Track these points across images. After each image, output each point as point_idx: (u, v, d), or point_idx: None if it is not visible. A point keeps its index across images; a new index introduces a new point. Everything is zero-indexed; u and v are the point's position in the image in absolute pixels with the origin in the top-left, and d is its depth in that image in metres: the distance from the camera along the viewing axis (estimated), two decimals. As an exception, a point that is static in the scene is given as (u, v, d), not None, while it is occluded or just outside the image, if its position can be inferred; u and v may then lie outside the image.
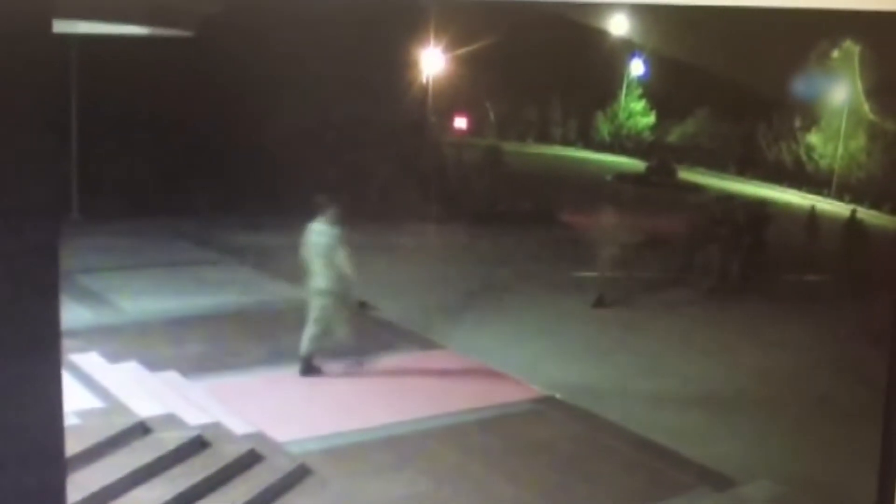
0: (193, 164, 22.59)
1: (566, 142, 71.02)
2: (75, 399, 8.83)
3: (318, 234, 11.97)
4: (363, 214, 22.67)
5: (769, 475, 10.38)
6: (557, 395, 12.09)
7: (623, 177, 48.64)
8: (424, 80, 32.08)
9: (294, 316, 14.64)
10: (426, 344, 13.67)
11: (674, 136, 72.10)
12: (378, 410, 10.96)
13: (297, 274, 17.21)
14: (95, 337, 11.86)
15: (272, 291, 16.22)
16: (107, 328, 12.80)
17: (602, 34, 69.32)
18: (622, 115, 72.66)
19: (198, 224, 20.66)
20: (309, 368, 11.95)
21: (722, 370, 14.52)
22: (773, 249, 24.25)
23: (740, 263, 22.66)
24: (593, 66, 65.96)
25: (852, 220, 25.63)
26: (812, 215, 24.80)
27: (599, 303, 16.79)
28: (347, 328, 12.03)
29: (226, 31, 18.17)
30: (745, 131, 66.11)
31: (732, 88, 65.83)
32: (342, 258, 11.86)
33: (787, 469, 10.71)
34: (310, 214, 12.08)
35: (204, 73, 22.21)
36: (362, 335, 14.04)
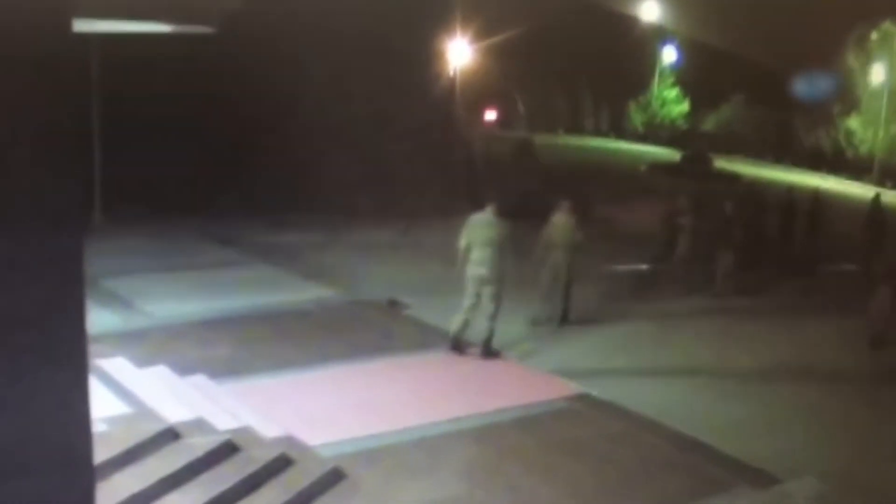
0: (218, 163, 22.71)
1: (598, 133, 71.01)
2: (103, 405, 8.74)
3: (485, 224, 12.99)
4: (390, 211, 22.82)
5: (814, 472, 10.28)
6: (594, 393, 12.04)
7: (657, 167, 48.37)
8: (452, 73, 32.01)
9: (323, 316, 14.78)
10: (454, 342, 13.59)
11: (708, 123, 71.90)
12: (411, 411, 10.94)
13: (323, 273, 17.42)
14: (122, 342, 11.90)
15: (301, 291, 16.26)
16: (134, 332, 12.85)
17: (633, 21, 69.18)
18: (655, 104, 72.53)
19: (223, 224, 20.77)
20: (458, 345, 13.12)
21: (763, 363, 14.42)
22: (817, 239, 24.16)
23: (782, 254, 22.60)
24: (625, 54, 65.87)
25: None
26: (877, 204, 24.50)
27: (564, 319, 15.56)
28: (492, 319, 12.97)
29: (249, 27, 18.23)
30: (781, 118, 65.80)
31: (768, 73, 65.50)
32: (503, 250, 12.97)
33: (833, 466, 10.62)
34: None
35: (228, 70, 22.31)
36: (392, 333, 14.15)
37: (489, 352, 13.06)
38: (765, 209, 24.29)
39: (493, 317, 13.00)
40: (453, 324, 13.12)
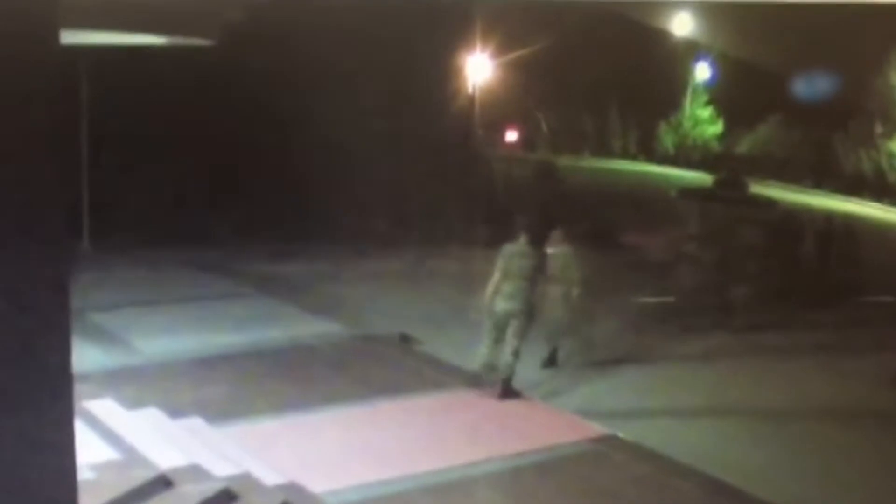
0: (215, 187, 22.74)
1: (626, 154, 71.02)
2: (90, 450, 8.74)
3: (519, 255, 13.08)
4: (403, 237, 22.80)
5: None
6: (619, 434, 11.97)
7: (689, 192, 48.27)
8: (470, 90, 32.11)
9: (330, 353, 14.73)
10: (474, 380, 13.54)
11: (743, 145, 71.82)
12: (423, 456, 10.84)
13: (329, 306, 17.39)
14: (111, 381, 11.86)
15: (305, 326, 16.23)
16: (123, 371, 12.79)
17: (664, 35, 69.31)
18: (687, 124, 72.52)
19: (221, 253, 20.77)
20: (509, 391, 12.97)
21: (795, 403, 14.38)
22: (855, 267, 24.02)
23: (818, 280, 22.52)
24: (655, 70, 65.92)
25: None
26: None
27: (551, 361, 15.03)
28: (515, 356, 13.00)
29: (252, 38, 18.29)
30: (820, 139, 65.65)
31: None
32: (534, 282, 13.20)
33: None
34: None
35: (226, 85, 22.37)
36: (403, 371, 14.09)
37: (509, 391, 12.95)
38: (800, 237, 24.22)
39: (517, 353, 12.97)
40: (477, 362, 13.17)
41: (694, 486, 10.71)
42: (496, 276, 13.01)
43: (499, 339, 13.02)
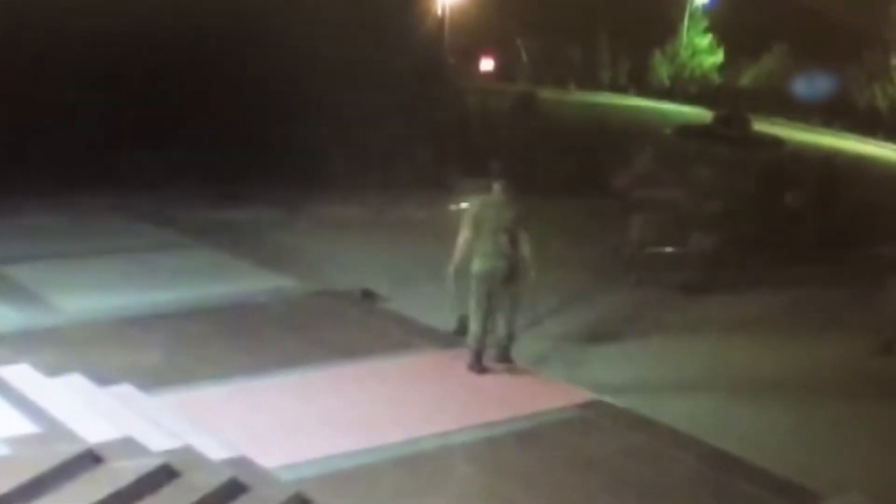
0: (149, 123, 22.47)
1: (616, 87, 71.17)
2: (4, 423, 8.71)
3: (494, 205, 12.51)
4: (365, 181, 22.63)
5: (858, 487, 10.35)
6: (608, 399, 12.01)
7: (686, 130, 48.42)
8: (440, 12, 31.90)
9: (283, 310, 14.59)
10: (447, 341, 13.51)
11: (746, 78, 72.16)
12: (390, 424, 10.80)
13: (281, 258, 17.24)
14: (27, 344, 11.75)
15: (255, 280, 16.14)
16: (42, 332, 12.61)
17: (659, -49, 69.21)
18: (684, 54, 72.84)
19: (157, 199, 20.58)
20: (479, 364, 12.57)
21: (799, 362, 14.52)
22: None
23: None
24: (647, -6, 65.99)
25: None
26: None
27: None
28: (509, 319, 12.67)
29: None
30: (831, 71, 65.86)
31: (817, 19, 65.61)
32: (523, 234, 12.52)
33: (878, 480, 10.72)
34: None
35: (170, 10, 22.13)
36: (366, 331, 13.98)
37: (506, 358, 12.75)
38: (792, 180, 24.13)
39: (514, 320, 12.68)
40: (470, 336, 12.58)
41: (690, 455, 10.73)
42: (465, 233, 12.40)
43: (488, 308, 12.46)
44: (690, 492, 10.03)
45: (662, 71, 72.83)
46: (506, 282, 12.39)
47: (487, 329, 12.50)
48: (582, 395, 12.12)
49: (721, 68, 73.56)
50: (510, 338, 12.70)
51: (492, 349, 12.68)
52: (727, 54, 72.47)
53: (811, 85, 59.92)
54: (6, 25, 19.52)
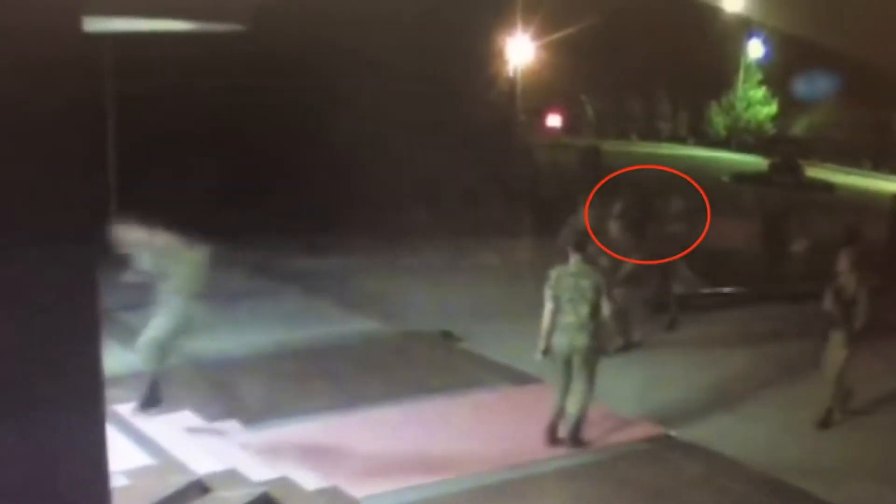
0: (246, 178, 22.78)
1: (675, 138, 70.64)
2: (122, 456, 8.81)
3: (575, 275, 11.21)
4: (441, 230, 22.76)
5: None
6: (672, 433, 11.93)
7: (742, 177, 48.04)
8: (511, 73, 31.99)
9: (369, 351, 14.72)
10: (520, 378, 13.52)
11: (799, 127, 71.31)
12: (467, 458, 10.83)
13: (367, 301, 17.38)
14: (142, 384, 11.92)
15: (343, 323, 16.26)
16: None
17: (715, 12, 68.78)
18: (739, 106, 72.06)
19: (253, 248, 20.80)
20: (552, 435, 11.39)
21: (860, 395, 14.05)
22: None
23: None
24: (706, 49, 65.55)
25: None
26: None
27: None
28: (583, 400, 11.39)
29: (281, 24, 18.27)
30: (880, 119, 64.99)
31: (866, 71, 64.72)
32: (605, 304, 11.27)
33: None
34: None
35: (257, 73, 22.39)
36: (445, 369, 14.06)
37: (577, 441, 11.51)
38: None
39: (588, 400, 11.37)
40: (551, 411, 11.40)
41: (749, 486, 10.62)
42: (548, 305, 11.19)
43: (567, 383, 11.32)
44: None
45: (719, 122, 72.23)
46: (585, 358, 11.18)
47: (563, 405, 11.36)
48: (649, 428, 12.05)
49: (775, 118, 72.77)
50: (581, 420, 11.40)
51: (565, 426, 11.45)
52: (780, 105, 71.69)
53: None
54: (125, 94, 19.94)
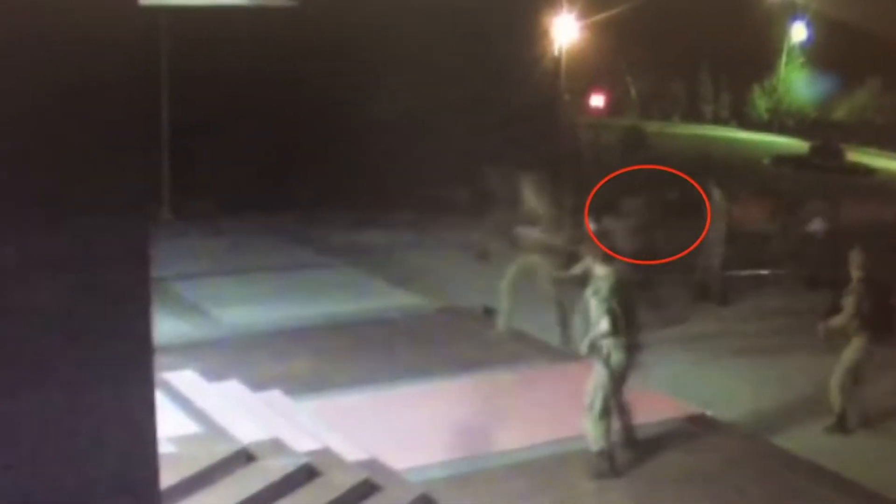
0: (296, 155, 22.82)
1: (718, 120, 70.06)
2: (170, 424, 8.81)
3: (603, 278, 10.04)
4: (485, 208, 22.65)
5: None
6: (709, 413, 11.86)
7: (783, 160, 47.60)
8: (556, 52, 31.75)
9: (412, 325, 14.71)
10: (560, 356, 13.52)
11: (841, 110, 70.43)
12: (508, 432, 10.85)
13: (412, 276, 17.36)
14: (191, 352, 12.01)
15: (387, 298, 16.31)
16: (203, 342, 12.99)
17: (759, -5, 68.08)
18: (781, 89, 71.27)
19: (301, 222, 20.87)
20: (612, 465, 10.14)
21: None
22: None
23: None
24: (749, 32, 64.83)
25: None
26: None
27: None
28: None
29: (330, 4, 18.25)
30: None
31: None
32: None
33: None
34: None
35: (306, 51, 22.37)
36: (490, 346, 14.01)
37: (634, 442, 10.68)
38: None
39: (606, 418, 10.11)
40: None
41: (784, 468, 10.53)
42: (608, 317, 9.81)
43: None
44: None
45: (761, 105, 71.49)
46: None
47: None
48: (684, 408, 11.97)
49: (816, 102, 71.95)
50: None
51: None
52: (822, 88, 70.86)
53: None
54: (177, 67, 19.98)
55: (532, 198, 14.54)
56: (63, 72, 3.82)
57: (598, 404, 9.93)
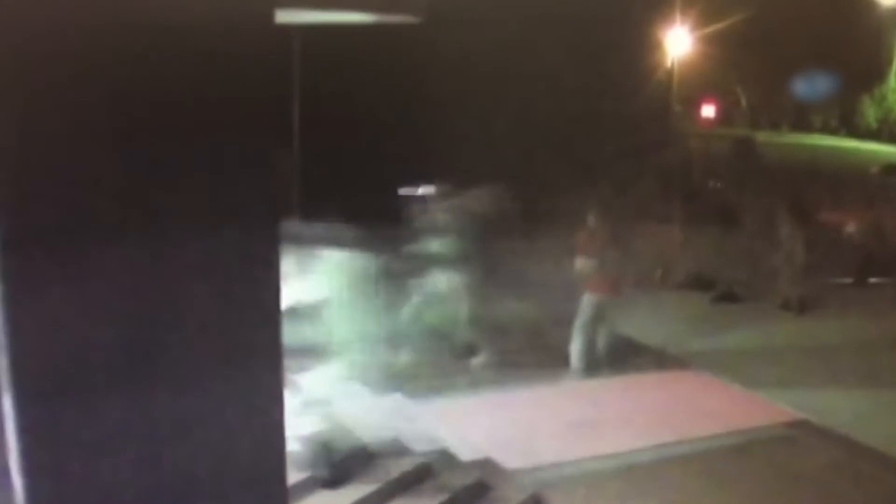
0: (423, 162, 23.00)
1: (827, 129, 68.70)
2: (294, 423, 8.93)
3: None
4: (596, 215, 22.58)
5: None
6: (812, 419, 11.70)
7: (891, 168, 46.49)
8: (669, 64, 31.51)
9: (521, 327, 14.69)
10: (667, 362, 13.52)
11: (953, 120, 68.49)
12: (614, 436, 10.88)
13: (520, 283, 17.34)
14: (315, 355, 12.18)
15: (497, 302, 16.21)
16: (326, 345, 13.08)
17: (869, 4, 66.65)
18: (892, 97, 69.62)
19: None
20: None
21: None
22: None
23: None
24: (859, 41, 63.48)
25: None
26: None
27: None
28: None
29: (451, 17, 18.35)
30: None
31: None
32: None
33: None
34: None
35: (427, 65, 22.54)
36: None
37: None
38: None
39: None
40: None
41: (887, 472, 10.34)
42: None
43: None
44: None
45: (870, 114, 69.94)
46: None
47: None
48: (788, 414, 11.84)
49: (927, 111, 70.19)
50: None
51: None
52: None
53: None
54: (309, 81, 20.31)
55: None
56: (203, 88, 3.98)
57: None
